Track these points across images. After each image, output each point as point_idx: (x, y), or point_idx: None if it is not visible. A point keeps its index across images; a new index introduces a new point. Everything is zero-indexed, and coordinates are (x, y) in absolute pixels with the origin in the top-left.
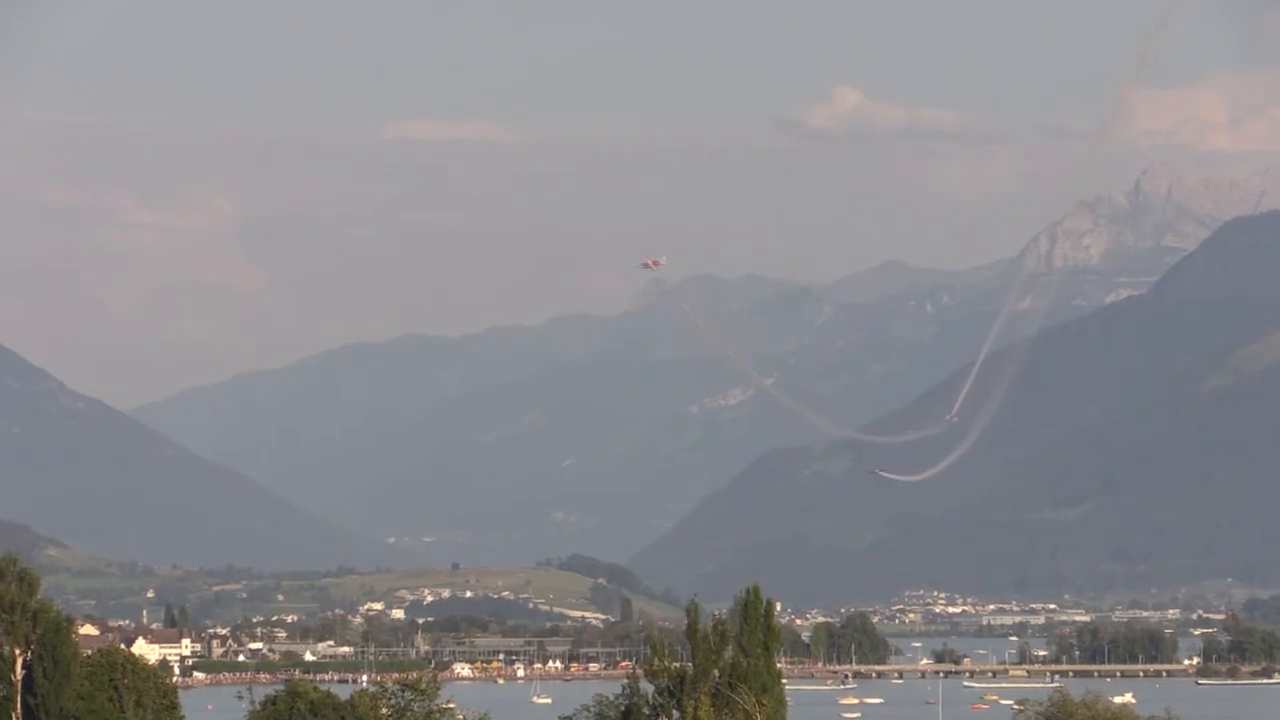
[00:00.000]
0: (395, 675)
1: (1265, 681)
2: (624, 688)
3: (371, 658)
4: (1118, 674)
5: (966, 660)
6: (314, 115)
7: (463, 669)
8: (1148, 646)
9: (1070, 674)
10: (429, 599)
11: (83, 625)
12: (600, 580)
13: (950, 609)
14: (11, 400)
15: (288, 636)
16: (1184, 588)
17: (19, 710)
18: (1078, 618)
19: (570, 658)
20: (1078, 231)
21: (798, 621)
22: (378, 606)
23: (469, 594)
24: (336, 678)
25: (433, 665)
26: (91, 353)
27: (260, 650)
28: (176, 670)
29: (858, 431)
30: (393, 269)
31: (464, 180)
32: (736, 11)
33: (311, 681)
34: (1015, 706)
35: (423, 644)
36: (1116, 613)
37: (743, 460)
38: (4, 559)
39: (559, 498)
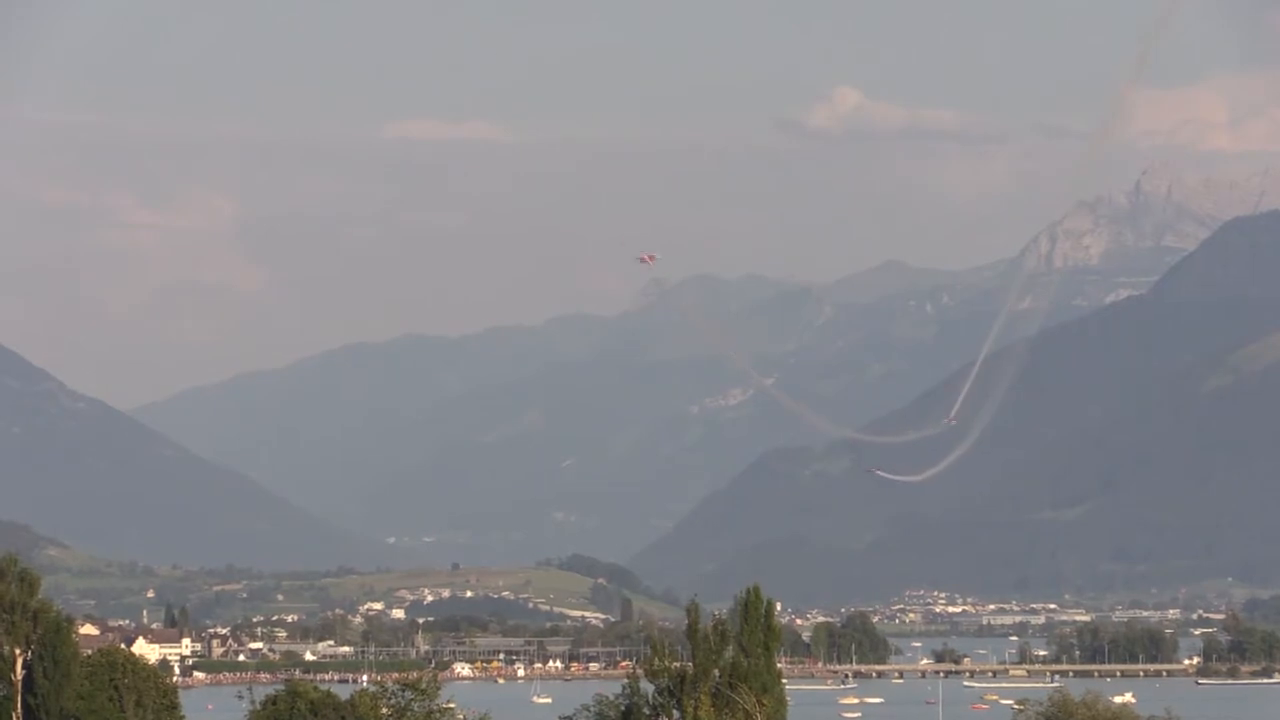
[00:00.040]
0: (395, 675)
1: (1265, 681)
2: (624, 687)
3: (372, 658)
4: (1118, 674)
5: (967, 660)
6: (314, 115)
7: (463, 669)
8: (1148, 646)
9: (1070, 674)
10: (429, 599)
11: (83, 625)
12: (600, 580)
13: (950, 609)
14: (11, 400)
15: (288, 636)
16: (1184, 588)
17: (19, 710)
18: (1078, 618)
19: (570, 657)
20: (1078, 231)
21: (798, 621)
22: (378, 606)
23: (469, 594)
24: (337, 678)
25: (433, 665)
26: (91, 353)
27: (260, 650)
28: (176, 670)
29: (858, 431)
30: (393, 269)
31: (464, 180)
32: (736, 11)
33: (312, 681)
34: (1015, 706)
35: (423, 644)
36: (1117, 613)
37: (743, 460)
38: (4, 559)
39: (559, 498)
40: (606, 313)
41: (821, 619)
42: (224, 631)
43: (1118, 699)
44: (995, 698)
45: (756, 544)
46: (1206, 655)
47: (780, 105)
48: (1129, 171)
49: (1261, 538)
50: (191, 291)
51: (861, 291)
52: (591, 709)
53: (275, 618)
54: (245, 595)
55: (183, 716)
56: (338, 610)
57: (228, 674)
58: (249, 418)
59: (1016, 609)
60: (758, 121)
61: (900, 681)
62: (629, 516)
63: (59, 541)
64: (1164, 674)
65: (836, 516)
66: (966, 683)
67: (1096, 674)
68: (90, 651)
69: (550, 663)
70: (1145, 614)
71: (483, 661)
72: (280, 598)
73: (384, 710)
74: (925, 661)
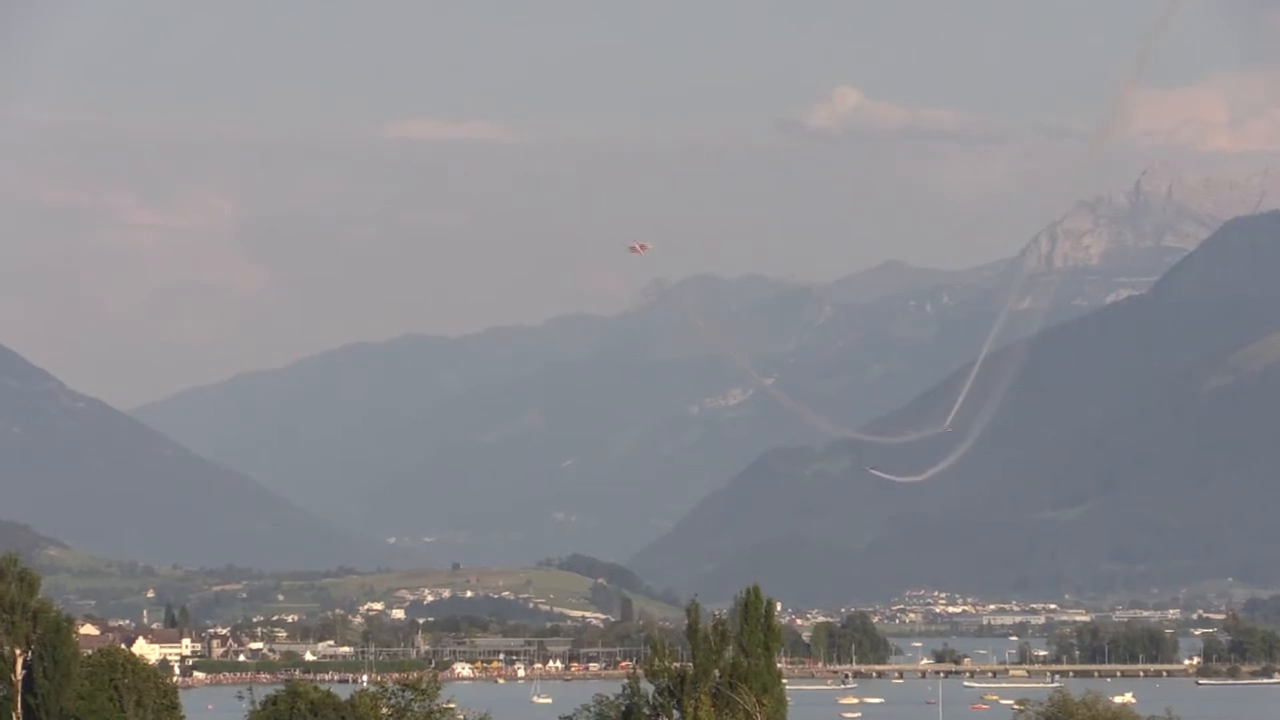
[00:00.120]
0: (395, 675)
1: (1265, 681)
2: (624, 688)
3: (372, 658)
4: (1118, 674)
5: (967, 660)
6: (314, 115)
7: (463, 669)
8: (1148, 646)
9: (1070, 674)
10: (429, 599)
11: (83, 625)
12: (600, 580)
13: (950, 609)
14: (11, 400)
15: (288, 636)
16: (1184, 588)
17: (19, 710)
18: (1078, 618)
19: (570, 658)
20: (1078, 231)
21: (798, 621)
22: (378, 606)
23: (469, 594)
24: (337, 678)
25: (433, 665)
26: (91, 353)
27: (260, 650)
28: (177, 670)
29: (858, 431)
30: (393, 269)
31: (464, 180)
32: (736, 11)
33: (312, 681)
34: (1015, 706)
35: (423, 644)
36: (1117, 613)
37: (743, 460)
38: (4, 559)
39: (559, 498)
40: (606, 313)
41: (822, 619)
42: (224, 632)
43: (1118, 699)
44: (995, 698)
45: (756, 544)
46: (1207, 655)
47: (780, 105)
48: (1129, 171)
49: (1261, 538)
50: (191, 291)
51: (861, 291)
52: (592, 709)
53: (275, 618)
54: (245, 595)
55: (183, 716)
56: (338, 610)
57: (228, 674)
58: (249, 418)
59: (1016, 609)
60: (758, 121)
61: (900, 682)
62: (629, 516)
63: (59, 541)
64: (1164, 674)
65: (836, 516)
66: (967, 683)
67: (1097, 674)
68: (90, 651)
69: (550, 663)
70: (1145, 614)
71: (483, 662)
72: (280, 598)
73: (384, 710)
74: (925, 662)
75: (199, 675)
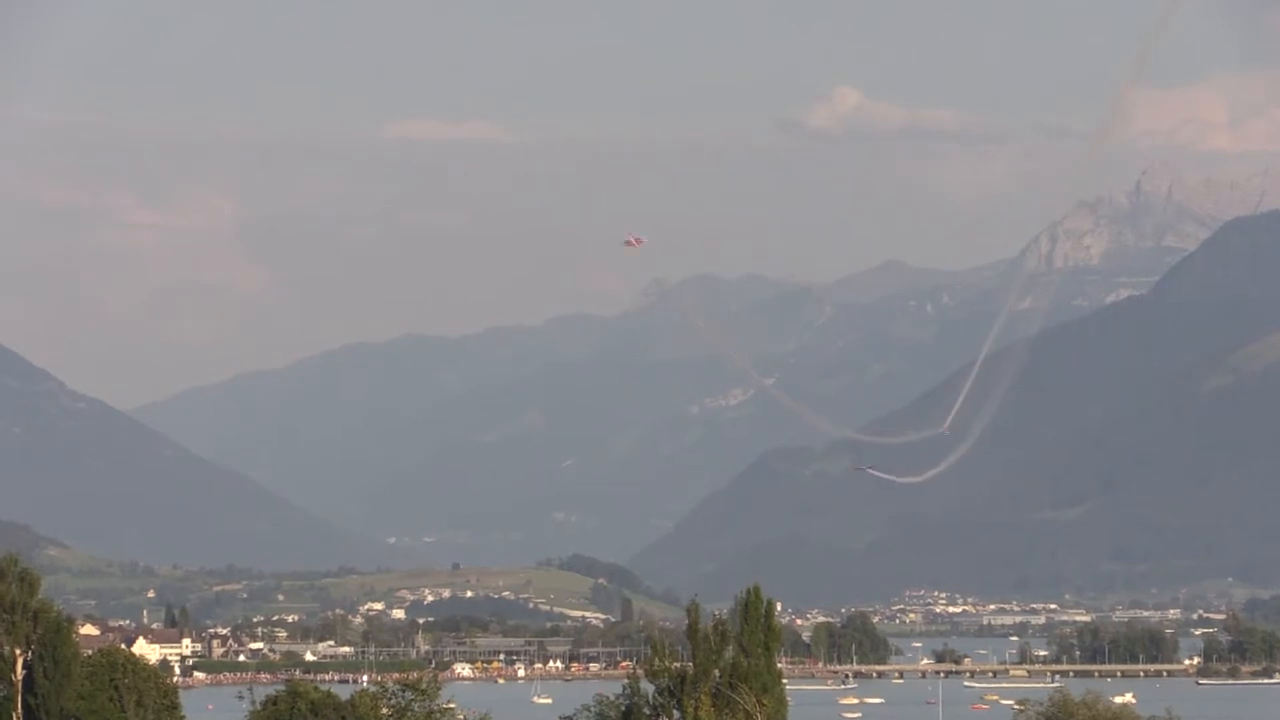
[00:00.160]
0: (396, 675)
1: (1266, 681)
2: (624, 688)
3: (372, 658)
4: (1118, 674)
5: (967, 660)
6: (314, 115)
7: (463, 669)
8: (1148, 646)
9: (1071, 674)
10: (429, 599)
11: (83, 625)
12: (601, 580)
13: (951, 609)
14: (12, 400)
15: (288, 636)
16: (1184, 588)
17: (19, 710)
18: (1078, 618)
19: (571, 658)
20: (1078, 231)
21: (798, 621)
22: (378, 606)
23: (469, 594)
24: (337, 678)
25: (433, 665)
26: (91, 353)
27: (261, 650)
28: (177, 670)
29: (858, 432)
30: (393, 269)
31: (464, 180)
32: (736, 11)
33: (312, 681)
34: (1016, 706)
35: (423, 644)
36: (1117, 613)
37: (743, 460)
38: (4, 559)
39: (559, 498)
40: (606, 313)
41: (822, 619)
42: (224, 632)
43: (1118, 699)
44: (995, 698)
45: (757, 544)
46: (1207, 655)
47: (780, 105)
48: (1129, 171)
49: (1261, 538)
50: (191, 291)
51: (861, 291)
52: (592, 709)
53: (275, 618)
54: (245, 595)
55: (183, 717)
56: (338, 610)
57: (228, 674)
58: (249, 418)
59: (1017, 609)
60: (758, 121)
61: (900, 682)
62: (629, 516)
63: (59, 541)
64: (1164, 674)
65: (836, 516)
66: (967, 683)
67: (1097, 674)
68: (90, 651)
69: (550, 663)
70: (1145, 614)
71: (483, 662)
72: (280, 598)
73: (384, 710)
74: (925, 662)
75: (199, 675)
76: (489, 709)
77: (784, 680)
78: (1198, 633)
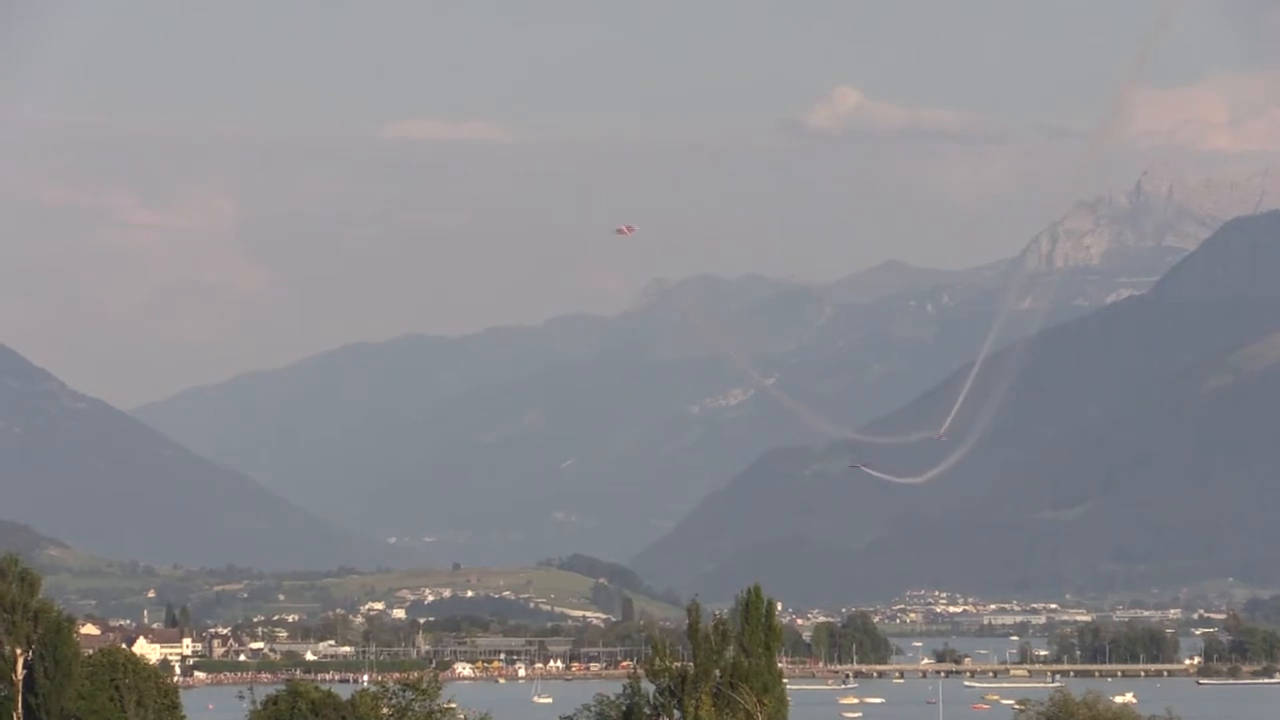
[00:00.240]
0: (396, 675)
1: (1266, 681)
2: (625, 687)
3: (372, 657)
4: (1119, 674)
5: (967, 660)
6: (314, 115)
7: (464, 669)
8: (1149, 646)
9: (1071, 674)
10: (430, 599)
11: (84, 625)
12: (601, 580)
13: (951, 609)
14: (12, 400)
15: (289, 636)
16: (1185, 588)
17: (20, 710)
18: (1079, 617)
19: (571, 657)
20: (1078, 231)
21: (799, 621)
22: (379, 606)
23: (470, 594)
24: (338, 677)
25: (434, 665)
26: (92, 353)
27: (261, 650)
28: (177, 670)
29: (858, 432)
30: (393, 269)
31: (464, 180)
32: (736, 11)
33: (313, 681)
34: (1016, 706)
35: (424, 644)
36: (1117, 612)
37: (743, 460)
38: (5, 559)
39: (559, 498)
40: (606, 313)
41: (822, 619)
42: (225, 631)
43: (1119, 699)
44: (996, 698)
45: (757, 544)
46: (1207, 655)
47: (780, 105)
48: (1129, 171)
49: (1262, 538)
50: (191, 291)
51: (862, 291)
52: (592, 709)
53: (276, 618)
54: (246, 595)
55: (184, 716)
56: (339, 610)
57: (229, 674)
58: (249, 418)
59: (1017, 609)
60: (758, 121)
61: (901, 681)
62: (629, 516)
63: (60, 541)
64: (1165, 674)
65: (837, 516)
66: (967, 683)
67: (1097, 674)
68: (91, 651)
69: (551, 663)
70: (1146, 614)
71: (484, 661)
72: (281, 598)
73: (385, 710)
74: (926, 661)
75: (200, 675)
76: (489, 709)
77: (784, 680)
78: (1198, 633)
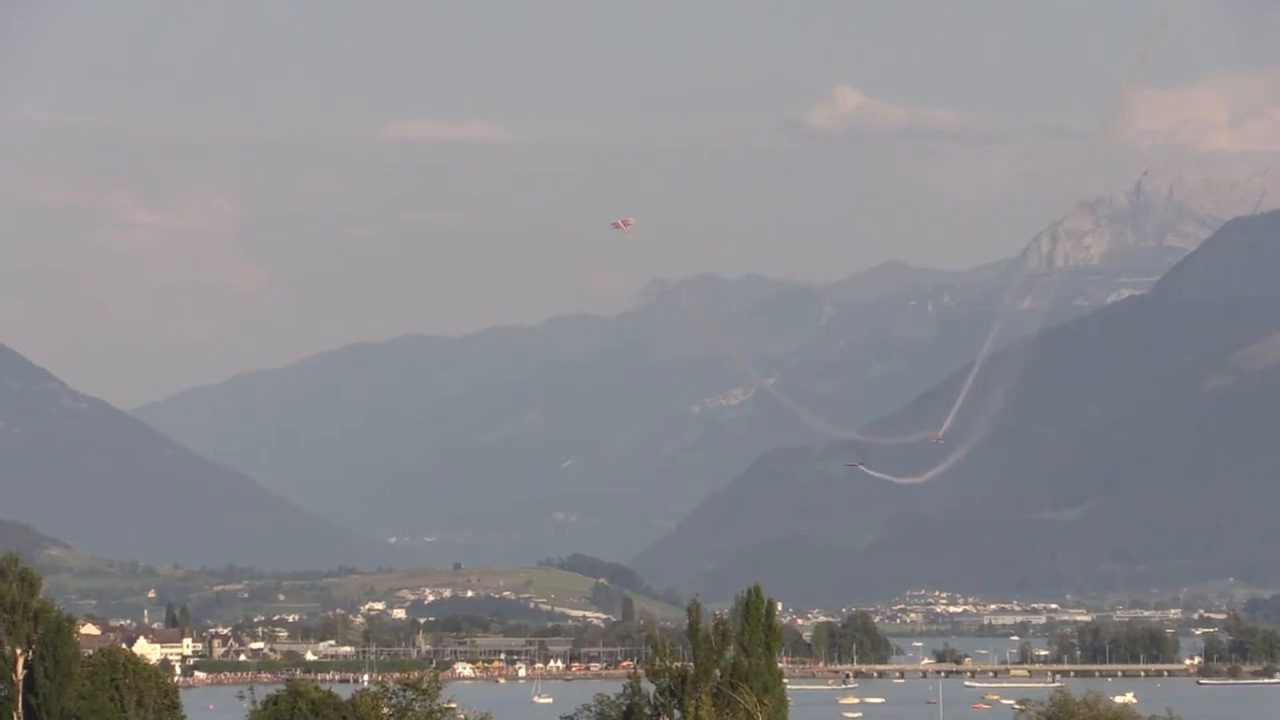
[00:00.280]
0: (396, 675)
1: (1266, 681)
2: (625, 687)
3: (373, 657)
4: (1119, 674)
5: (968, 660)
6: (314, 115)
7: (464, 669)
8: (1149, 646)
9: (1071, 674)
10: (430, 599)
11: (84, 625)
12: (601, 580)
13: (951, 609)
14: (12, 400)
15: (289, 636)
16: (1185, 588)
17: (20, 710)
18: (1079, 617)
19: (571, 657)
20: (1079, 231)
21: (799, 621)
22: (379, 606)
23: (470, 594)
24: (338, 677)
25: (434, 665)
26: (92, 353)
27: (262, 650)
28: (178, 670)
29: (858, 432)
30: (393, 269)
31: (464, 180)
32: (736, 11)
33: (313, 681)
34: (1016, 706)
35: (424, 644)
36: (1118, 612)
37: (743, 460)
38: (5, 559)
39: (559, 498)
40: (606, 313)
41: (822, 619)
42: (225, 631)
43: (1119, 699)
44: (996, 698)
45: (757, 544)
46: (1208, 655)
47: (780, 105)
48: (1130, 171)
49: (1262, 538)
50: (191, 291)
51: (862, 292)
52: (593, 709)
53: (276, 618)
54: (246, 595)
55: (184, 716)
56: (339, 610)
57: (229, 674)
58: (249, 418)
59: (1017, 609)
60: (758, 121)
61: (901, 681)
62: (629, 516)
63: (60, 541)
64: (1165, 674)
65: (837, 516)
66: (967, 683)
67: (1098, 674)
68: (91, 651)
69: (551, 663)
70: (1146, 614)
71: (484, 661)
72: (281, 598)
73: (385, 710)
74: (926, 661)
75: (200, 675)
76: (490, 709)
77: (785, 680)
78: (1198, 633)
